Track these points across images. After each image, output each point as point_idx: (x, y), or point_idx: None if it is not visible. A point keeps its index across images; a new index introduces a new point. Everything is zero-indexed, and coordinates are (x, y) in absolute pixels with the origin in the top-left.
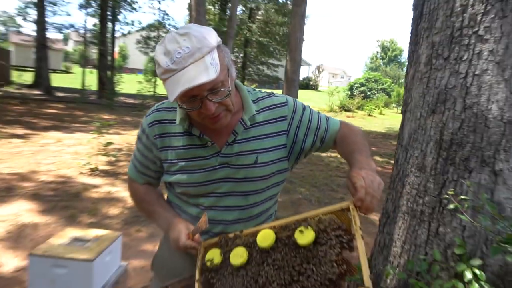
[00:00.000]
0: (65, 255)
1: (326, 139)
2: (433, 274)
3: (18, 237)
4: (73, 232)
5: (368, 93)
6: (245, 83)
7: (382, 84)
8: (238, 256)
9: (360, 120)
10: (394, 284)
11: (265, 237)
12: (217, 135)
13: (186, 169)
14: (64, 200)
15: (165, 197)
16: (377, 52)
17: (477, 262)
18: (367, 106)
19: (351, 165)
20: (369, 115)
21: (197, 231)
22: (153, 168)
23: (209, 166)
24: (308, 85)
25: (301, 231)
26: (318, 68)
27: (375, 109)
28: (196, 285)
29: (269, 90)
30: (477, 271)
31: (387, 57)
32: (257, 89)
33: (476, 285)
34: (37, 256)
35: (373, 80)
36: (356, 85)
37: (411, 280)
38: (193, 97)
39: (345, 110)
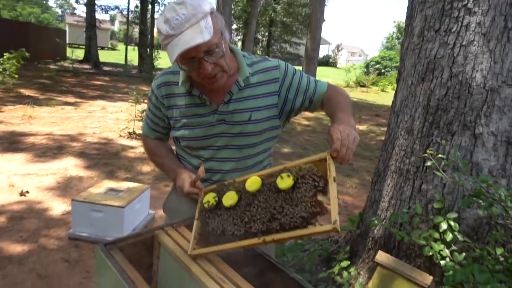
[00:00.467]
0: (101, 201)
1: (314, 99)
2: (414, 225)
3: (66, 187)
4: (109, 184)
5: (383, 71)
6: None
7: (396, 62)
8: (230, 198)
9: (374, 95)
10: (380, 233)
11: (253, 182)
12: (215, 95)
13: (188, 125)
14: (105, 158)
15: (174, 150)
16: (393, 32)
17: (453, 215)
18: (381, 82)
19: (332, 121)
20: (382, 90)
21: (197, 179)
22: (162, 124)
23: (208, 122)
24: (327, 62)
25: (282, 178)
26: (338, 47)
27: (388, 85)
28: (195, 222)
29: (298, 67)
30: (452, 223)
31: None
32: (252, 54)
33: (450, 235)
34: (79, 201)
35: (388, 58)
36: (372, 63)
37: (393, 230)
38: (191, 58)
39: (360, 86)
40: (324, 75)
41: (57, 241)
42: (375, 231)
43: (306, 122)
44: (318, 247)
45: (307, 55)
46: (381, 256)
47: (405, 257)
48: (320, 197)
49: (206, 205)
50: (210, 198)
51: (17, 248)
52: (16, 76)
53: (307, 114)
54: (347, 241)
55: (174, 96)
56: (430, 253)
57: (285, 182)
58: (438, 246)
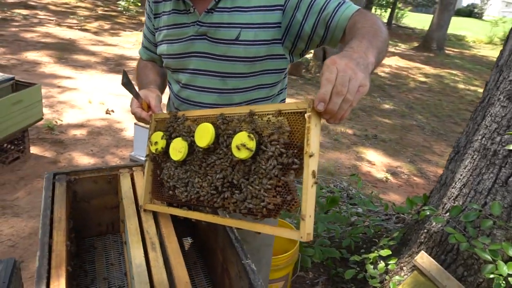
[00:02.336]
0: None
1: (332, 25)
2: (483, 230)
3: None
4: None
5: None
6: (399, 4)
7: None
8: (177, 150)
9: None
10: (438, 228)
11: (203, 133)
12: (201, 2)
13: (168, 38)
14: None
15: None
16: None
17: None
18: None
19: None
20: None
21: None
22: (153, 40)
23: (188, 35)
24: (471, 12)
25: (238, 148)
26: None
27: None
28: (146, 163)
29: (422, 14)
30: None
31: None
32: None
33: None
34: (140, 126)
35: None
36: None
37: (446, 228)
38: None
39: None
40: (459, 27)
41: (120, 160)
42: (433, 223)
43: (423, 79)
44: (364, 222)
45: (441, 1)
46: (423, 259)
47: (463, 267)
48: (291, 178)
49: (153, 149)
50: (158, 139)
51: (84, 160)
52: (139, 4)
53: (427, 69)
54: (403, 224)
55: (163, 1)
56: (491, 276)
57: (242, 153)
58: (508, 269)
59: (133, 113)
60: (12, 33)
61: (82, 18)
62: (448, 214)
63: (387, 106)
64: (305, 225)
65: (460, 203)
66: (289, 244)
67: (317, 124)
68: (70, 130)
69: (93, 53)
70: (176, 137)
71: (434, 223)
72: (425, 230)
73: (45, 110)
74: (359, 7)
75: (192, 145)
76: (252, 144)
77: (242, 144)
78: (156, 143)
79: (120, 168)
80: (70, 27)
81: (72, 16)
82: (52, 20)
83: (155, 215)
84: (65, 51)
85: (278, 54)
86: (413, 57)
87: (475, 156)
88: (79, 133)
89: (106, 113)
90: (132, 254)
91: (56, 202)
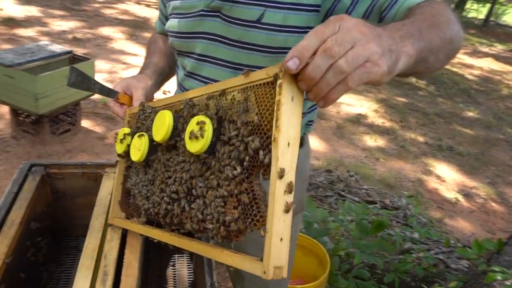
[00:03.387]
0: None
1: (388, 17)
2: None
3: None
4: None
5: None
6: None
7: None
8: (136, 148)
9: None
10: None
11: (160, 124)
12: None
13: (175, 12)
14: None
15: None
16: None
17: None
18: None
19: None
20: None
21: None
22: (165, 13)
23: (197, 10)
24: None
25: (190, 138)
26: None
27: None
28: (117, 167)
29: None
30: None
31: None
32: None
33: None
34: None
35: None
36: None
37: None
38: None
39: None
40: None
41: None
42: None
43: None
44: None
45: None
46: None
47: None
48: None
49: (120, 149)
50: (124, 136)
51: None
52: None
53: None
54: (467, 265)
55: None
56: None
57: (192, 143)
58: None
59: (109, 107)
60: (94, 9)
61: None
62: None
63: (470, 114)
64: (271, 253)
65: None
66: (318, 269)
67: (295, 97)
68: None
69: None
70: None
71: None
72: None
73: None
74: None
75: (153, 142)
76: (206, 132)
77: (192, 132)
78: (122, 140)
79: (106, 166)
80: (148, 5)
81: None
82: None
83: (125, 233)
84: (137, 28)
85: None
86: (511, 60)
87: None
88: None
89: (163, 93)
90: (74, 285)
91: (18, 201)
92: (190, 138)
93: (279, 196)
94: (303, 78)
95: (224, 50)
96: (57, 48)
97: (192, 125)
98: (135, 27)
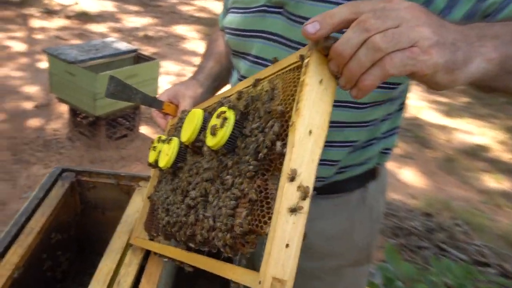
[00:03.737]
0: None
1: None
2: None
3: None
4: None
5: None
6: None
7: None
8: (165, 153)
9: None
10: None
11: (188, 123)
12: None
13: (236, 6)
14: None
15: None
16: None
17: None
18: None
19: None
20: None
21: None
22: (226, 6)
23: (258, 5)
24: None
25: (212, 133)
26: None
27: None
28: (150, 179)
29: None
30: None
31: None
32: None
33: None
34: None
35: None
36: None
37: None
38: None
39: None
40: None
41: None
42: None
43: None
44: None
45: None
46: None
47: None
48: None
49: (150, 158)
50: (156, 143)
51: None
52: None
53: None
54: None
55: None
56: None
57: (210, 138)
58: None
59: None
60: (170, 5)
61: None
62: None
63: None
64: (270, 259)
65: None
66: None
67: (325, 81)
68: None
69: None
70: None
71: None
72: None
73: None
74: None
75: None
76: (226, 122)
77: (213, 126)
78: (155, 148)
79: (141, 179)
80: None
81: None
82: None
83: (148, 256)
84: (213, 27)
85: None
86: None
87: None
88: None
89: None
90: None
91: (41, 207)
92: (211, 133)
93: (289, 190)
94: (332, 55)
95: (283, 52)
96: (123, 45)
97: (214, 119)
98: (211, 25)
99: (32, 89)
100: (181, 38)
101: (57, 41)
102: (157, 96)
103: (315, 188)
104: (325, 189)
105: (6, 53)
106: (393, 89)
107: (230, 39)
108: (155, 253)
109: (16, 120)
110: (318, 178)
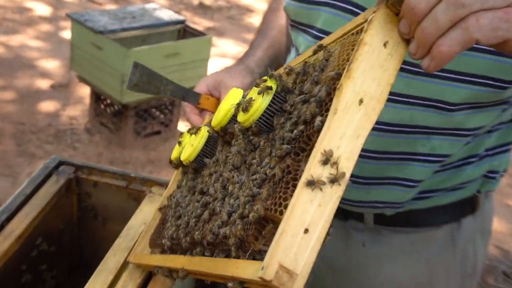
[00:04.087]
0: None
1: None
2: None
3: None
4: None
5: None
6: None
7: None
8: (189, 144)
9: None
10: None
11: (223, 105)
12: None
13: None
14: None
15: None
16: None
17: None
18: None
19: None
20: None
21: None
22: None
23: None
24: None
25: (244, 108)
26: None
27: None
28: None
29: None
30: None
31: None
32: None
33: None
34: None
35: None
36: None
37: None
38: None
39: None
40: None
41: None
42: None
43: None
44: None
45: None
46: None
47: None
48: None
49: (173, 154)
50: (186, 139)
51: None
52: None
53: None
54: None
55: None
56: None
57: (241, 114)
58: None
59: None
60: None
61: None
62: None
63: None
64: (280, 240)
65: None
66: None
67: (390, 44)
68: None
69: None
70: None
71: None
72: None
73: None
74: None
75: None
76: (264, 95)
77: (249, 99)
78: (180, 143)
79: (155, 184)
80: None
81: None
82: None
83: (150, 278)
84: None
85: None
86: None
87: None
88: None
89: None
90: None
91: (27, 206)
92: (243, 108)
93: (320, 163)
94: (403, 11)
95: None
96: (167, 14)
97: (253, 92)
98: None
99: (50, 64)
100: (247, 10)
101: (88, 4)
102: (195, 87)
103: (383, 218)
104: (397, 219)
105: (26, 17)
106: (503, 89)
107: (290, 6)
108: (158, 271)
109: (26, 101)
110: (388, 204)
